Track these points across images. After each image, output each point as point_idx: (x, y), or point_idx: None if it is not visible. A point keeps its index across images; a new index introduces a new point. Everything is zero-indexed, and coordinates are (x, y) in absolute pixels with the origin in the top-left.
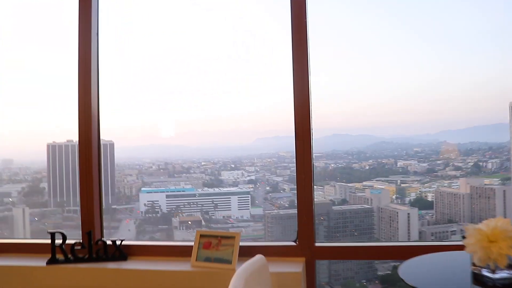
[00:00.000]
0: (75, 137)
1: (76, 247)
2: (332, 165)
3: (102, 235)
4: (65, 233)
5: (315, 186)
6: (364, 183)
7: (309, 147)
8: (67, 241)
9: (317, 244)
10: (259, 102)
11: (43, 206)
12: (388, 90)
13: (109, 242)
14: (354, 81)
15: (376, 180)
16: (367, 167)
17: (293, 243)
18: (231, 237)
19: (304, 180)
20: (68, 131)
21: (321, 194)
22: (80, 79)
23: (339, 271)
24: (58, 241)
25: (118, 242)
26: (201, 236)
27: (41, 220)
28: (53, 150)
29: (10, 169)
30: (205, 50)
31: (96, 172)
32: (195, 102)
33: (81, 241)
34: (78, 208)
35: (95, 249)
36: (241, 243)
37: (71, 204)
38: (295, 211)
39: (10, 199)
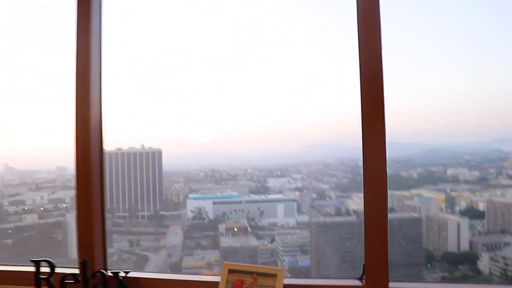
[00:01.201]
0: (124, 145)
1: (67, 280)
2: None
3: (105, 266)
4: (53, 261)
5: (361, 194)
6: (412, 191)
7: (383, 153)
8: (57, 270)
9: (392, 285)
10: (306, 110)
11: None
12: (436, 97)
13: (109, 274)
14: (401, 89)
15: (425, 188)
16: (416, 175)
17: (358, 282)
18: (272, 275)
19: (375, 196)
20: (117, 139)
21: None
22: (77, 83)
23: None
24: (46, 270)
25: (121, 274)
26: (230, 271)
27: None
28: (104, 158)
29: (64, 176)
30: (248, 62)
31: (97, 186)
32: (241, 110)
33: (75, 272)
34: (128, 215)
35: (91, 283)
36: (286, 281)
37: (120, 210)
38: (341, 219)
39: (63, 204)
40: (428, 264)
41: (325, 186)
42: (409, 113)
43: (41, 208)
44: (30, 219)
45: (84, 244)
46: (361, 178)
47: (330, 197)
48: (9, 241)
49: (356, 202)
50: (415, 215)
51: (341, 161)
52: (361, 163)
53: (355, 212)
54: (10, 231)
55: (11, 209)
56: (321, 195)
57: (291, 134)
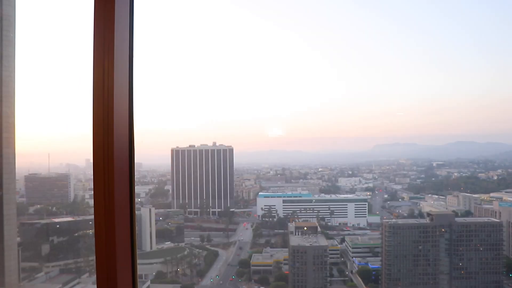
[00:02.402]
0: (196, 142)
1: None
2: (456, 174)
3: None
4: None
5: (435, 196)
6: (492, 194)
7: None
8: None
9: None
10: (377, 109)
11: (167, 207)
12: None
13: None
14: (479, 82)
15: (506, 192)
16: (496, 177)
17: None
18: None
19: None
20: (189, 136)
21: (442, 204)
22: (94, 72)
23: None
24: None
25: None
26: None
27: (165, 220)
28: (177, 154)
29: (139, 172)
30: (323, 60)
31: (123, 194)
32: (313, 107)
33: None
34: (199, 210)
35: None
36: None
37: (192, 206)
38: (414, 221)
39: (139, 199)
40: (510, 274)
41: (398, 187)
42: (486, 110)
43: None
44: None
45: (104, 274)
46: (436, 179)
47: (402, 198)
48: (90, 231)
49: (431, 204)
50: (494, 220)
51: (414, 161)
52: (436, 163)
53: (429, 214)
54: (90, 223)
55: (92, 202)
56: (393, 196)
57: (363, 132)
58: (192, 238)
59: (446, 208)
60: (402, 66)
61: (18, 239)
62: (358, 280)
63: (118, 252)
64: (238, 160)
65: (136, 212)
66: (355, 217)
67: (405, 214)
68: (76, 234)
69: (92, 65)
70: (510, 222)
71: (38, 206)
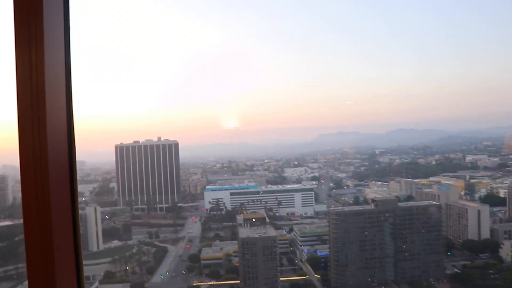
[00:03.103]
0: (141, 138)
1: None
2: (397, 160)
3: None
4: None
5: (379, 182)
6: (431, 178)
7: None
8: None
9: None
10: (320, 99)
11: (113, 205)
12: (454, 82)
13: None
14: (413, 73)
15: (444, 176)
16: (434, 162)
17: None
18: None
19: None
20: (134, 132)
21: (386, 190)
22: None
23: (405, 269)
24: None
25: None
26: None
27: (112, 218)
28: (121, 151)
29: (82, 170)
30: (267, 52)
31: (64, 202)
32: (257, 97)
33: None
34: (146, 207)
35: None
36: None
37: (139, 202)
38: (360, 207)
39: (83, 198)
40: (448, 252)
41: (343, 175)
42: (424, 99)
43: None
44: None
45: (38, 277)
46: (378, 166)
47: (347, 186)
48: None
49: (374, 190)
50: (434, 202)
51: (358, 149)
52: (378, 151)
53: (373, 201)
54: None
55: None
56: (339, 184)
57: (307, 123)
58: (140, 235)
59: (389, 194)
60: (343, 56)
61: None
62: (307, 268)
63: (58, 257)
64: (184, 155)
65: (80, 211)
66: (303, 206)
67: (351, 202)
68: (17, 239)
69: (15, 57)
70: (448, 204)
71: None
